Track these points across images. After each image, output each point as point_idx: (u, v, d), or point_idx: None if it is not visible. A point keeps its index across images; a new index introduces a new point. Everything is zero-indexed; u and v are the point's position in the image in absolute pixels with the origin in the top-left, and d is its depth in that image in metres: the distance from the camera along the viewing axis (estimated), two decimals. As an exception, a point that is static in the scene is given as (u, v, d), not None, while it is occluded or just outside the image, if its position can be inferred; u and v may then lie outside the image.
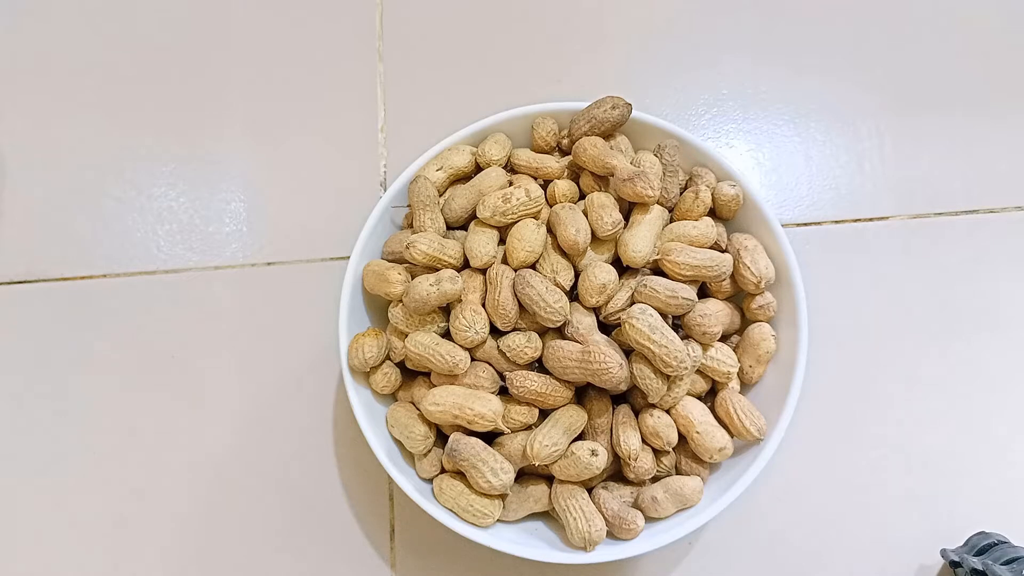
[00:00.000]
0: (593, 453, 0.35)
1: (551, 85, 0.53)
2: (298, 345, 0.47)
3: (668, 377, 0.36)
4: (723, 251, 0.40)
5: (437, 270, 0.37)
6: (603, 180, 0.40)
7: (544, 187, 0.40)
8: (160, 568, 0.43)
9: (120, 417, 0.46)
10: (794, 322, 0.38)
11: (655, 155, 0.41)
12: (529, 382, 0.36)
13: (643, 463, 0.37)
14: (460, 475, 0.37)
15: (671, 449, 0.37)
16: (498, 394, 0.37)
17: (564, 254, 0.38)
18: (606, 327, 0.38)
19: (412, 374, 0.39)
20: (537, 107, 0.42)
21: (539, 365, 0.38)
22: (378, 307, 0.41)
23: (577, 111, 0.41)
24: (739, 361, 0.39)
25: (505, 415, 0.36)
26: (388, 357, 0.39)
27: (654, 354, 0.35)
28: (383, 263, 0.40)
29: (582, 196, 0.41)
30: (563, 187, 0.40)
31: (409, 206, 0.41)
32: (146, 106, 0.54)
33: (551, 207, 0.39)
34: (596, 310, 0.38)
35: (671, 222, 0.40)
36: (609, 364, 0.34)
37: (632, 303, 0.37)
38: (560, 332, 0.37)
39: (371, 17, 0.56)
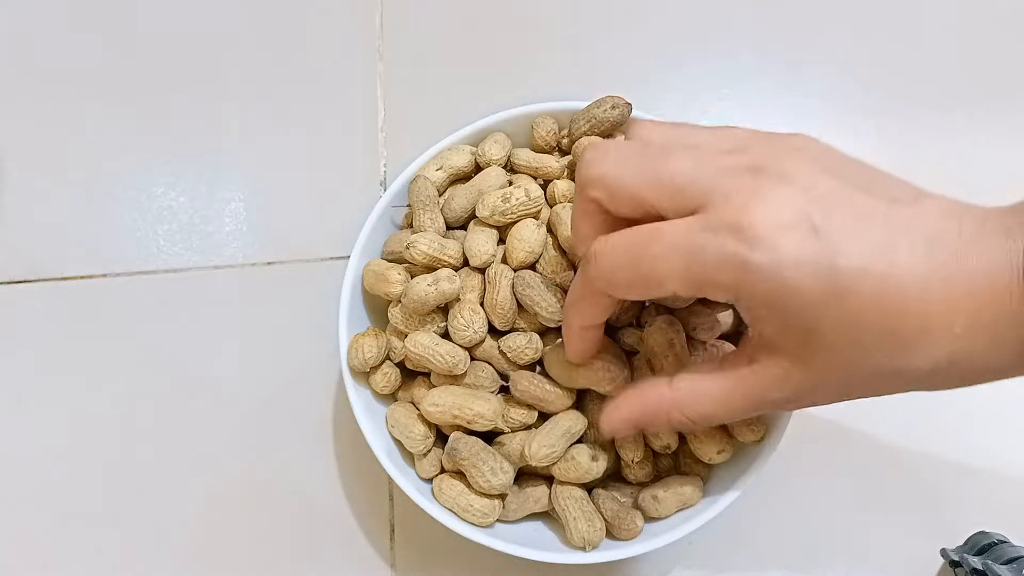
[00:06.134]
0: (594, 458, 0.35)
1: (551, 85, 0.53)
2: (298, 345, 0.47)
3: None
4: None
5: (437, 270, 0.37)
6: (603, 180, 0.40)
7: (544, 187, 0.40)
8: (159, 567, 0.43)
9: (119, 416, 0.46)
10: (794, 322, 0.38)
11: (655, 155, 0.41)
12: (532, 387, 0.36)
13: (644, 465, 0.37)
14: (460, 475, 0.37)
15: (671, 450, 0.37)
16: (498, 393, 0.37)
17: (564, 254, 0.38)
18: (608, 327, 0.38)
19: (412, 374, 0.39)
20: (537, 107, 0.42)
21: (540, 364, 0.38)
22: (378, 307, 0.41)
23: (577, 111, 0.41)
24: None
25: (505, 414, 0.36)
26: (388, 357, 0.39)
27: (663, 368, 0.35)
28: (383, 263, 0.40)
29: (582, 196, 0.41)
30: (563, 187, 0.40)
31: (409, 206, 0.41)
32: (146, 105, 0.54)
33: (551, 207, 0.39)
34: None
35: (671, 222, 0.40)
36: (613, 376, 0.34)
37: (639, 305, 0.37)
38: (560, 332, 0.37)
39: (371, 17, 0.56)
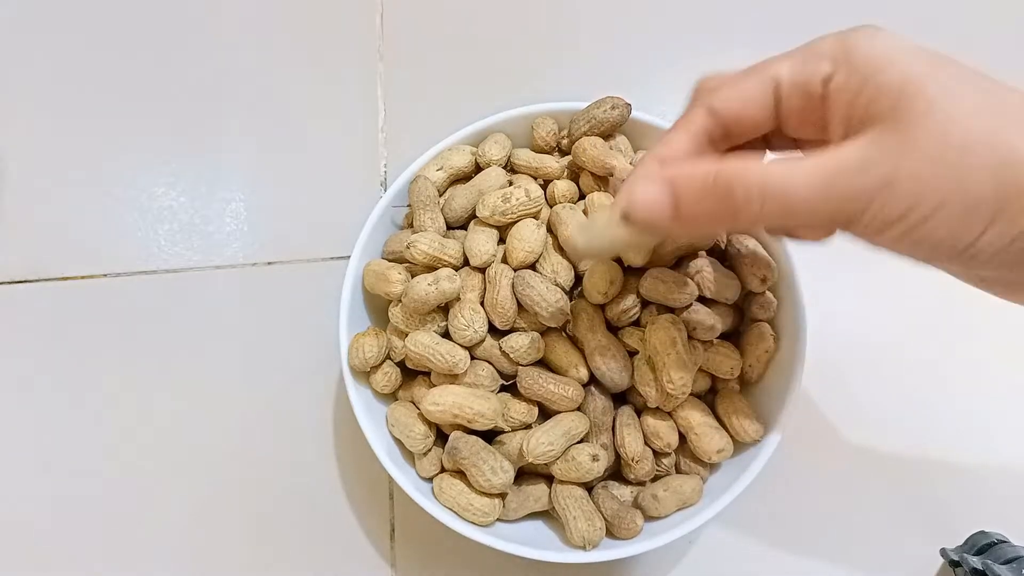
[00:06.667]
0: (594, 459, 0.35)
1: (551, 85, 0.53)
2: (298, 345, 0.47)
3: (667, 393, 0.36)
4: (723, 251, 0.40)
5: (437, 270, 0.37)
6: (603, 180, 0.40)
7: (544, 187, 0.40)
8: (159, 567, 0.43)
9: (120, 417, 0.46)
10: (794, 322, 0.38)
11: (655, 155, 0.41)
12: (543, 380, 0.36)
13: (644, 464, 0.37)
14: (460, 474, 0.37)
15: (672, 449, 0.37)
16: (499, 391, 0.37)
17: (564, 254, 0.38)
18: (611, 326, 0.38)
19: (412, 373, 0.39)
20: (537, 107, 0.42)
21: (543, 363, 0.38)
22: (378, 307, 0.41)
23: (577, 111, 0.41)
24: (739, 361, 0.39)
25: (505, 413, 0.36)
26: (388, 357, 0.39)
27: (665, 365, 0.35)
28: (383, 263, 0.40)
29: (582, 196, 0.41)
30: (563, 187, 0.40)
31: (409, 206, 0.41)
32: (146, 105, 0.54)
33: (551, 207, 0.39)
34: (603, 307, 0.38)
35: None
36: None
37: (640, 304, 0.37)
38: (561, 331, 0.37)
39: (371, 17, 0.56)
